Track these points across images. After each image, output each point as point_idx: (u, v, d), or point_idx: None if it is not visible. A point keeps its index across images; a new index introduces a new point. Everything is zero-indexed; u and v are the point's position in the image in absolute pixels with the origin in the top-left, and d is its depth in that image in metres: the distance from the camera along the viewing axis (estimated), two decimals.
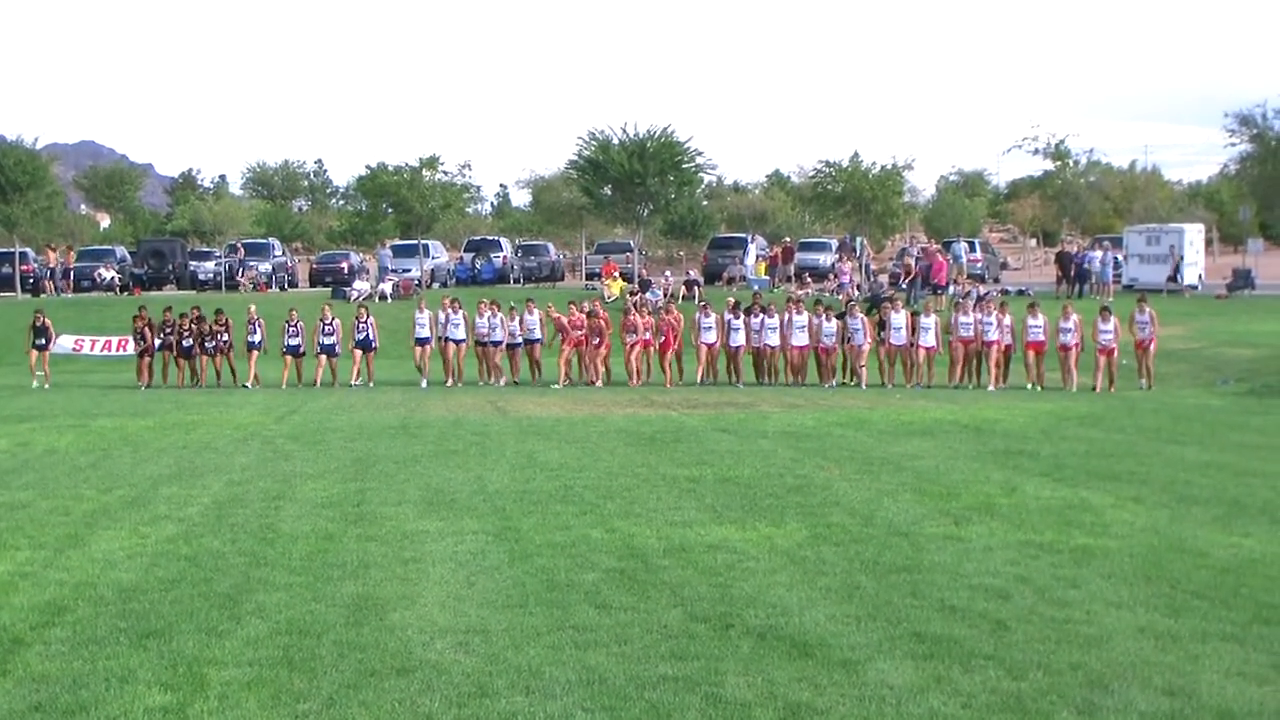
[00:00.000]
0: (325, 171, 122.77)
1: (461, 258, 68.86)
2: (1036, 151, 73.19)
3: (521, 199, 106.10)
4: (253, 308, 37.63)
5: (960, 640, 8.95)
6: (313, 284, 65.63)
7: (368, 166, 71.85)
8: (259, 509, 14.55)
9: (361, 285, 59.06)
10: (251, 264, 64.65)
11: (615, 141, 64.49)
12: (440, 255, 70.22)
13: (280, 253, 71.05)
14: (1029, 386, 31.73)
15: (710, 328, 34.23)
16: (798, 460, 18.26)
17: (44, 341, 37.34)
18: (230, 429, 23.16)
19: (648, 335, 34.73)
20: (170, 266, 65.31)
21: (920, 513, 13.95)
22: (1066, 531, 12.87)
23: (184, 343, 36.02)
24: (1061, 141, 73.24)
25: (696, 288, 56.08)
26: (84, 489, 16.20)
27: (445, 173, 69.17)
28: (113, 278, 63.64)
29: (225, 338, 36.02)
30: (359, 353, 35.45)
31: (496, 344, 35.28)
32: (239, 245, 69.48)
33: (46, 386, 35.57)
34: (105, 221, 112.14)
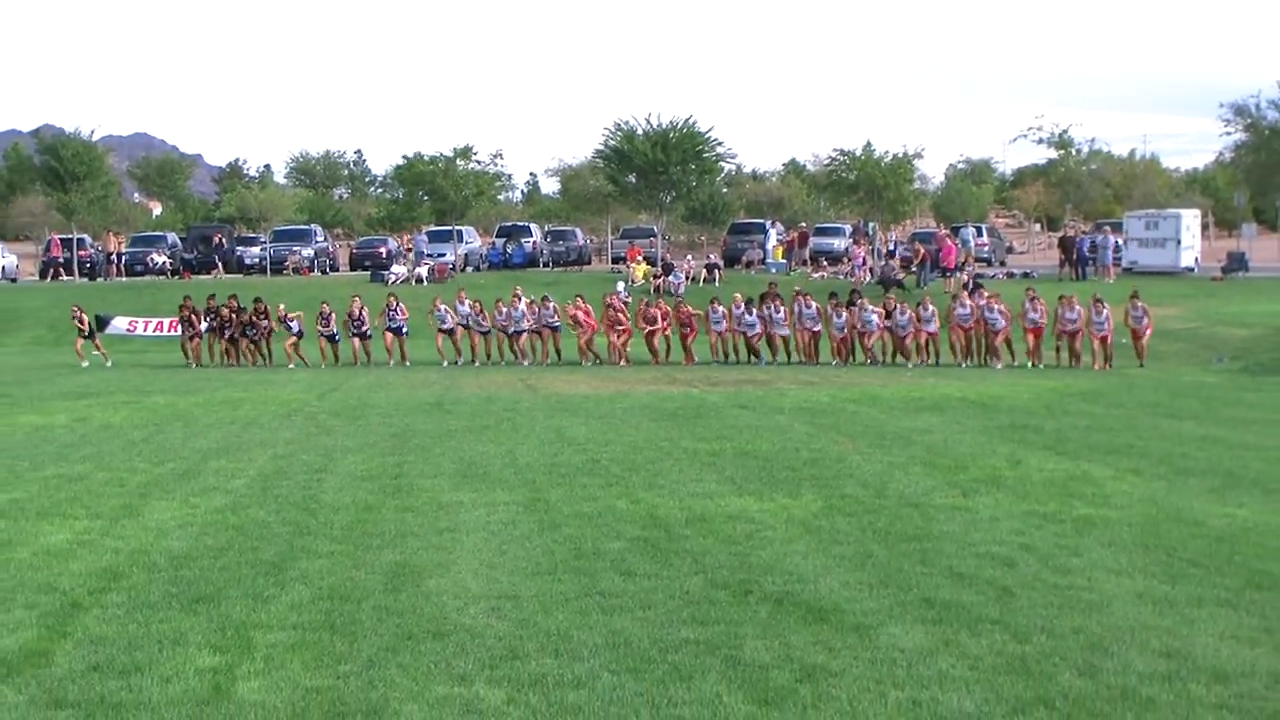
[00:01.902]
0: (364, 161, 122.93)
1: (493, 243, 68.87)
2: (1041, 141, 72.78)
3: (550, 187, 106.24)
4: (282, 306, 37.76)
5: (968, 606, 8.93)
6: (353, 268, 65.66)
7: (404, 156, 71.93)
8: (302, 481, 14.58)
9: (399, 269, 59.08)
10: (294, 249, 64.67)
11: (639, 132, 64.40)
12: (473, 241, 70.19)
13: (322, 238, 71.06)
14: (1029, 365, 31.56)
15: (719, 320, 34.46)
16: (813, 435, 18.23)
17: (88, 331, 38.01)
18: (275, 405, 23.23)
19: (665, 324, 35.02)
20: (223, 251, 65.58)
21: (930, 484, 13.92)
22: (1069, 502, 12.84)
23: (225, 330, 36.34)
24: (1065, 131, 72.83)
25: (717, 271, 56.02)
26: (138, 462, 16.26)
27: (478, 162, 69.19)
28: (164, 262, 63.83)
29: (266, 324, 36.26)
30: (390, 335, 35.56)
31: (519, 332, 35.36)
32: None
33: (108, 364, 36.36)
34: (157, 209, 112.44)
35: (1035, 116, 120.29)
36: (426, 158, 69.36)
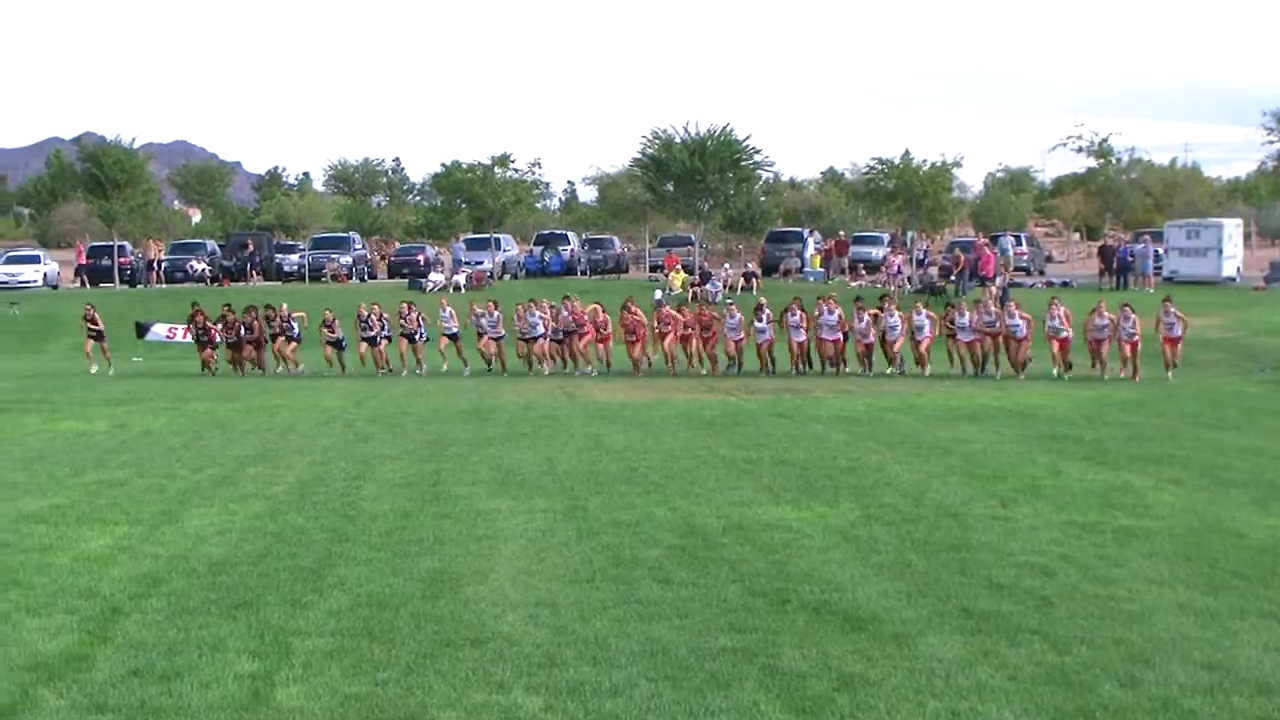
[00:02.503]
0: (403, 169, 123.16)
1: (531, 251, 68.92)
2: (1081, 149, 72.23)
3: (588, 195, 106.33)
4: (285, 306, 36.52)
5: (1007, 616, 8.89)
6: (391, 276, 65.86)
7: (443, 164, 72.40)
8: (340, 488, 14.63)
9: (437, 277, 59.23)
10: (333, 256, 64.87)
11: (677, 140, 64.42)
12: (511, 248, 70.30)
13: (360, 246, 71.27)
14: (1055, 373, 30.66)
15: (735, 327, 33.45)
16: (851, 444, 18.19)
17: (98, 332, 37.05)
18: (313, 413, 23.31)
19: (685, 330, 33.93)
20: (257, 259, 65.87)
21: (968, 494, 13.87)
22: (1109, 513, 12.77)
23: (242, 336, 35.63)
24: (1105, 140, 72.28)
25: (754, 279, 55.97)
26: (177, 468, 16.35)
27: (516, 170, 69.44)
28: (203, 269, 64.10)
29: (271, 329, 35.50)
30: (405, 342, 34.63)
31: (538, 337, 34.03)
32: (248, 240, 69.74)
33: (110, 373, 35.35)
34: (196, 216, 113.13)
35: (1075, 125, 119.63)
36: (465, 165, 69.63)
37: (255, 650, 8.24)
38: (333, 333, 34.93)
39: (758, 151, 66.94)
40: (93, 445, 18.84)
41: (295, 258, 66.17)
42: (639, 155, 67.88)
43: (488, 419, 21.93)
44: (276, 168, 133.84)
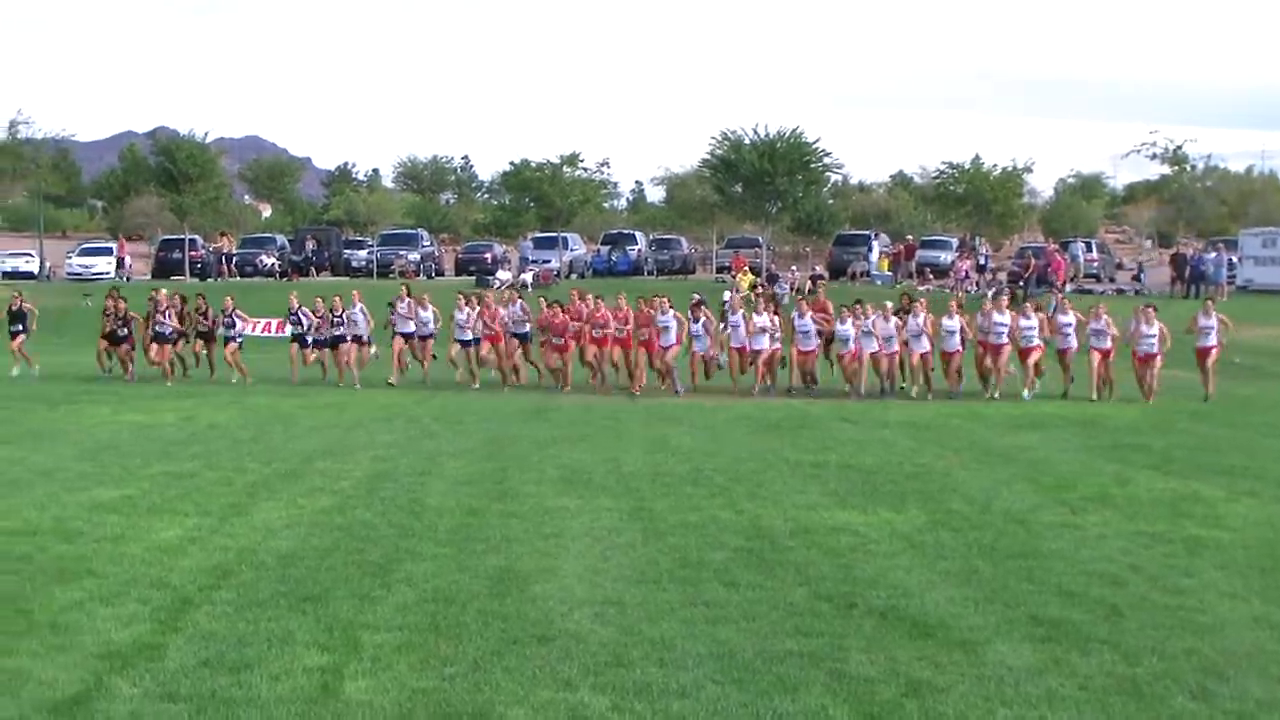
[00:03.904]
0: (471, 167, 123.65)
1: (598, 250, 69.10)
2: (1154, 156, 71.56)
3: (656, 195, 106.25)
4: (229, 300, 31.30)
5: (1076, 624, 8.82)
6: (458, 273, 66.11)
7: (512, 163, 72.75)
8: (407, 484, 14.70)
9: (504, 274, 59.42)
10: (401, 253, 65.21)
11: (746, 141, 64.50)
12: (578, 247, 70.44)
13: (428, 243, 71.60)
14: (1094, 397, 26.25)
15: (807, 332, 27.76)
16: (917, 449, 18.11)
17: (20, 327, 31.56)
18: (376, 409, 23.42)
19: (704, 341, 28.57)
20: (326, 254, 66.40)
21: (1035, 501, 13.77)
22: (1179, 522, 12.63)
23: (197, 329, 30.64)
24: (1179, 147, 71.59)
25: (822, 282, 55.79)
26: (245, 461, 16.48)
27: (584, 169, 69.78)
28: (273, 264, 64.66)
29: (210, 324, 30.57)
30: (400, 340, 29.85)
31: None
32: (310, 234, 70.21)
33: (25, 370, 30.65)
34: (266, 211, 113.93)
35: (1149, 132, 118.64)
36: (534, 164, 69.99)
37: (324, 644, 8.30)
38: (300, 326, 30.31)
39: (827, 154, 67.09)
40: (161, 437, 19.02)
41: (363, 254, 66.66)
42: (708, 156, 68.07)
43: (549, 419, 21.98)
44: (346, 164, 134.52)
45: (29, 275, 64.41)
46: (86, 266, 64.73)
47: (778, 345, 28.07)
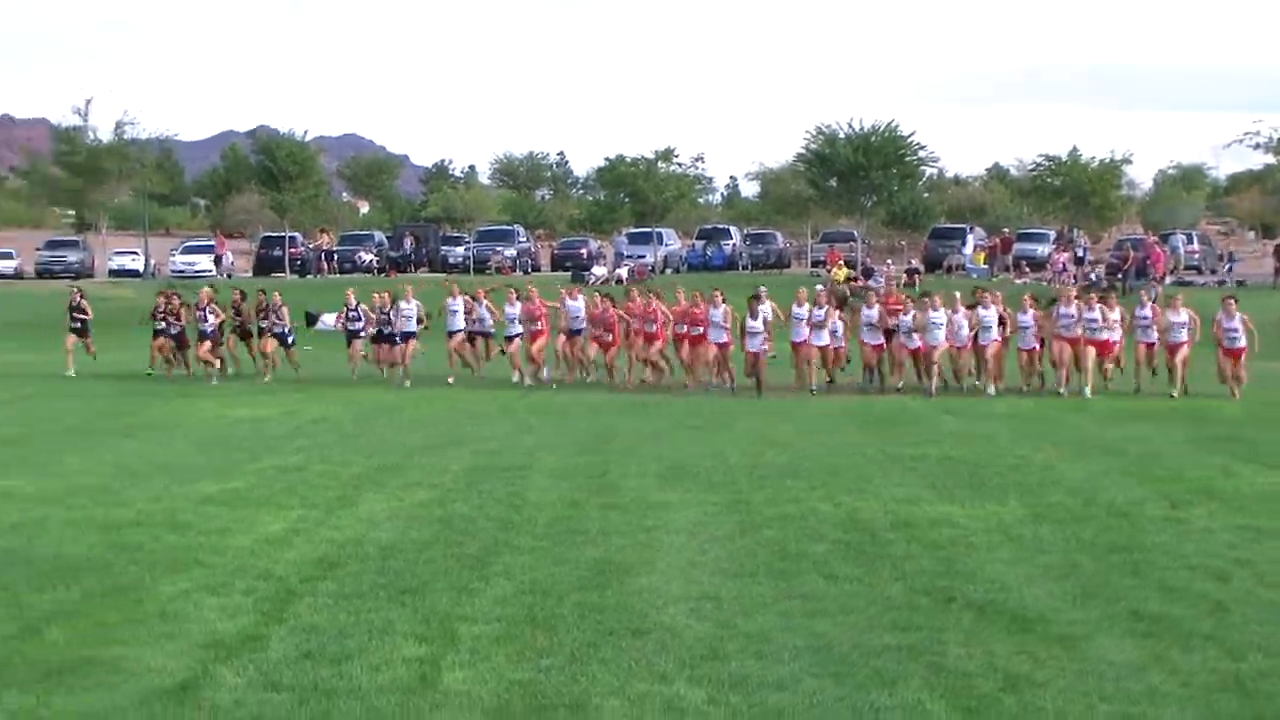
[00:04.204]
0: (567, 162, 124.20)
1: (693, 245, 68.94)
2: (1258, 146, 70.19)
3: (751, 190, 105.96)
4: (278, 295, 30.47)
5: (1179, 620, 8.70)
6: (554, 268, 66.33)
7: (607, 158, 72.92)
8: (506, 477, 14.77)
9: (599, 270, 59.56)
10: (497, 249, 65.50)
11: (841, 135, 64.16)
12: (673, 242, 70.34)
13: (524, 239, 71.88)
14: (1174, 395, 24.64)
15: (872, 322, 26.56)
16: (1018, 441, 17.94)
17: (80, 324, 31.09)
18: (479, 404, 23.54)
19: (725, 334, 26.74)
20: (424, 250, 66.91)
21: (1139, 495, 13.57)
22: None
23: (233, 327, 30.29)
24: None
25: (917, 276, 55.41)
26: (349, 455, 16.65)
27: (679, 164, 69.79)
28: (371, 260, 65.20)
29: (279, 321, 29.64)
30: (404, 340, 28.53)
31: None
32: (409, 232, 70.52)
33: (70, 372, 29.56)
34: (365, 208, 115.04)
35: (1253, 121, 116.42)
36: (628, 160, 70.09)
37: (423, 635, 8.37)
38: (357, 320, 29.63)
39: (922, 148, 66.60)
40: (267, 431, 19.28)
41: (460, 250, 67.04)
42: (803, 150, 67.77)
43: (653, 411, 21.99)
44: (443, 161, 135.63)
45: (134, 273, 65.49)
46: (190, 264, 65.64)
47: (842, 343, 27.10)
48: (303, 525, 11.98)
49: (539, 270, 67.26)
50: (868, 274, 54.91)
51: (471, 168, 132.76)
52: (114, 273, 65.50)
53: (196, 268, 64.88)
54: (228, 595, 9.38)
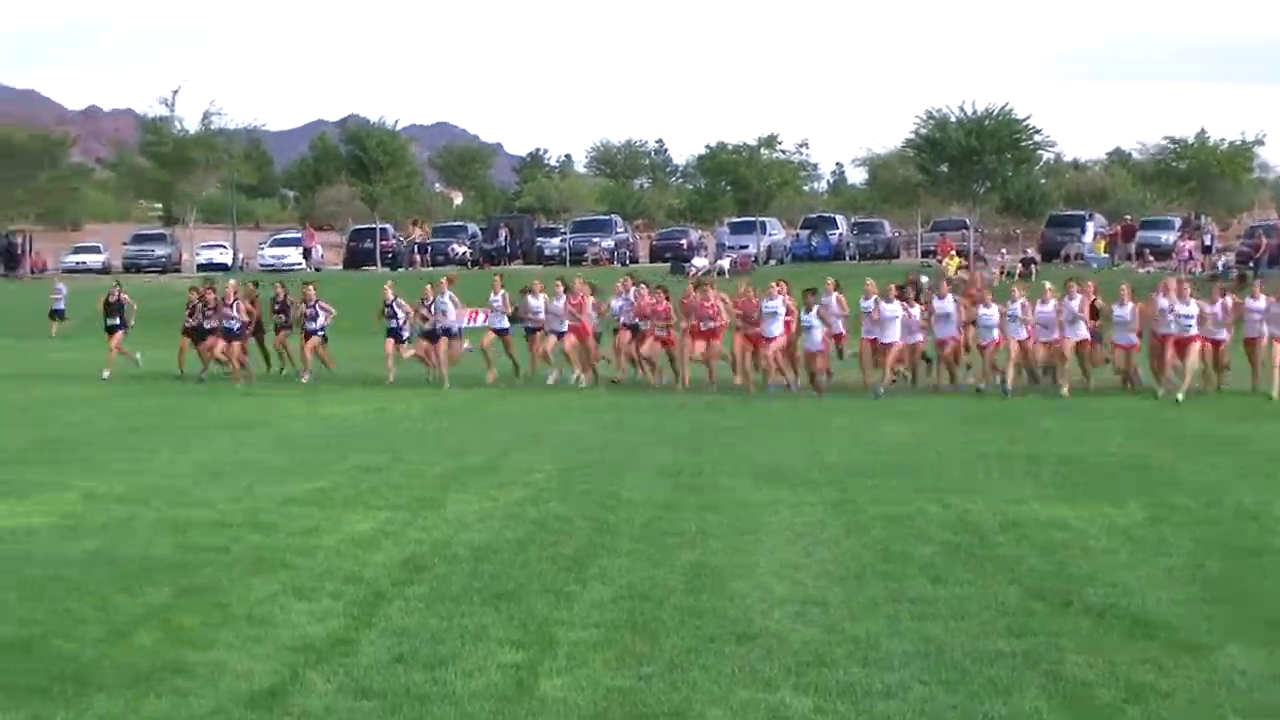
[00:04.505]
0: (666, 150, 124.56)
1: (797, 234, 68.77)
2: None
3: (858, 177, 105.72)
4: (309, 288, 29.70)
5: None
6: (652, 260, 66.37)
7: (707, 145, 72.90)
8: (601, 476, 14.82)
9: (700, 261, 59.52)
10: (594, 240, 65.63)
11: (953, 119, 63.73)
12: (776, 232, 70.18)
13: (622, 229, 72.01)
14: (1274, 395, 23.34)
15: (869, 309, 25.63)
16: (1135, 439, 17.72)
17: (117, 321, 30.62)
18: (568, 401, 23.63)
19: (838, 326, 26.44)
20: (518, 242, 67.21)
21: (1270, 495, 13.32)
22: None
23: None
24: None
25: (1033, 265, 54.85)
26: (437, 454, 16.77)
27: (783, 151, 69.56)
28: (464, 252, 65.59)
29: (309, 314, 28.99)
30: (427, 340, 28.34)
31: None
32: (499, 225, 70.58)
33: (105, 375, 28.80)
34: (458, 199, 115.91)
35: None
36: (730, 147, 69.99)
37: (518, 640, 8.39)
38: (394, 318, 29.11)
39: (1038, 131, 66.06)
40: (354, 429, 19.49)
41: (556, 241, 67.36)
42: (912, 135, 67.47)
43: (749, 407, 21.96)
44: (538, 149, 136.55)
45: (223, 267, 66.23)
46: (279, 257, 66.50)
47: (919, 339, 25.87)
48: (391, 526, 12.06)
49: (637, 262, 67.34)
50: (981, 264, 54.44)
51: (567, 156, 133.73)
52: (202, 266, 66.32)
53: (285, 261, 65.69)
54: (316, 598, 9.46)
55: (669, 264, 60.31)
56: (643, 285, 27.79)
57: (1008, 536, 11.42)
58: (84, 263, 69.30)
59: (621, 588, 9.69)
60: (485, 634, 8.52)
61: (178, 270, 66.41)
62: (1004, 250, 63.36)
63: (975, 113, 63.78)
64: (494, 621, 8.81)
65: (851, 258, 63.87)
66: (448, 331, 27.62)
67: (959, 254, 57.33)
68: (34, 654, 8.15)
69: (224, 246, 71.13)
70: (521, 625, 8.71)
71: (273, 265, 65.00)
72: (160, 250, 69.34)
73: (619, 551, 10.94)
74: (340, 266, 68.07)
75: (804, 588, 9.65)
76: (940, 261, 55.77)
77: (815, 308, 25.12)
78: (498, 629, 8.63)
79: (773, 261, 63.71)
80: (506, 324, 28.68)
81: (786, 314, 25.42)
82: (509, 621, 8.81)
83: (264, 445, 17.81)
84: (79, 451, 17.23)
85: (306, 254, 67.15)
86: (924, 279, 34.92)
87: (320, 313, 28.93)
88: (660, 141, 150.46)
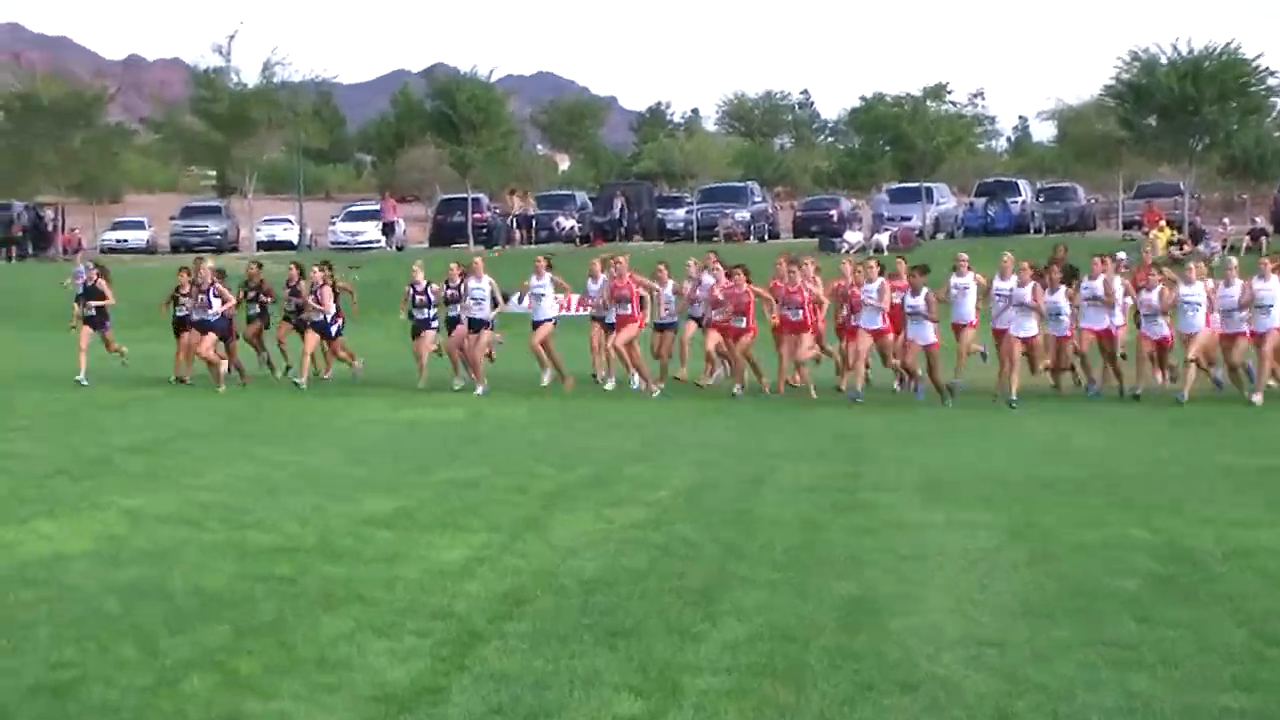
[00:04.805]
0: (812, 104, 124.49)
1: (971, 203, 68.26)
2: None
3: (1044, 133, 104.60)
4: (317, 272, 28.67)
5: None
6: (796, 234, 66.14)
7: (862, 98, 72.56)
8: (735, 492, 14.84)
9: (853, 236, 59.27)
10: (727, 211, 65.24)
11: (1163, 62, 62.75)
12: (946, 200, 69.78)
13: (760, 198, 71.70)
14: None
15: (963, 291, 25.29)
16: None
17: (93, 311, 28.93)
18: (694, 401, 23.64)
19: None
20: (636, 214, 66.85)
21: None
22: None
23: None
24: None
25: (1264, 238, 53.92)
26: (541, 466, 16.84)
27: (953, 103, 68.98)
28: (572, 227, 65.31)
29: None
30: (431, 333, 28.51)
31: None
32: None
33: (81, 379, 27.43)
34: (564, 163, 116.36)
35: None
36: (889, 99, 69.51)
37: (637, 687, 8.40)
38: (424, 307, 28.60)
39: (1271, 74, 64.61)
40: (442, 436, 19.63)
41: (681, 213, 67.03)
42: (1113, 82, 66.46)
43: (908, 412, 21.86)
44: (659, 104, 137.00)
45: (288, 245, 66.50)
46: (354, 234, 66.40)
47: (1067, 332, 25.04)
48: (486, 552, 12.10)
49: (778, 237, 67.12)
50: (1197, 237, 53.70)
51: (694, 111, 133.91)
52: (263, 244, 66.69)
53: (361, 238, 65.70)
54: (398, 638, 9.52)
55: (816, 239, 60.07)
56: (719, 266, 27.07)
57: (1232, 566, 11.29)
58: (125, 240, 70.09)
59: (759, 625, 9.69)
60: (598, 679, 8.54)
61: (235, 249, 66.32)
62: (1226, 220, 62.50)
63: (1191, 53, 62.74)
64: (608, 665, 8.83)
65: (1038, 230, 63.22)
66: (479, 324, 27.28)
67: (1171, 225, 56.48)
68: (70, 701, 8.25)
69: (289, 221, 71.63)
70: (641, 669, 8.73)
71: (346, 243, 65.12)
72: (214, 226, 69.22)
73: (757, 582, 10.93)
74: (425, 244, 68.35)
75: (980, 626, 9.60)
76: (1147, 234, 54.94)
77: (923, 290, 23.98)
78: (613, 674, 8.65)
79: (941, 235, 63.34)
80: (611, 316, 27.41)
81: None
82: (626, 665, 8.83)
83: (339, 455, 17.96)
84: (119, 463, 17.44)
85: (387, 229, 66.92)
86: (1121, 255, 33.70)
87: (323, 301, 27.85)
88: (805, 93, 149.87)
